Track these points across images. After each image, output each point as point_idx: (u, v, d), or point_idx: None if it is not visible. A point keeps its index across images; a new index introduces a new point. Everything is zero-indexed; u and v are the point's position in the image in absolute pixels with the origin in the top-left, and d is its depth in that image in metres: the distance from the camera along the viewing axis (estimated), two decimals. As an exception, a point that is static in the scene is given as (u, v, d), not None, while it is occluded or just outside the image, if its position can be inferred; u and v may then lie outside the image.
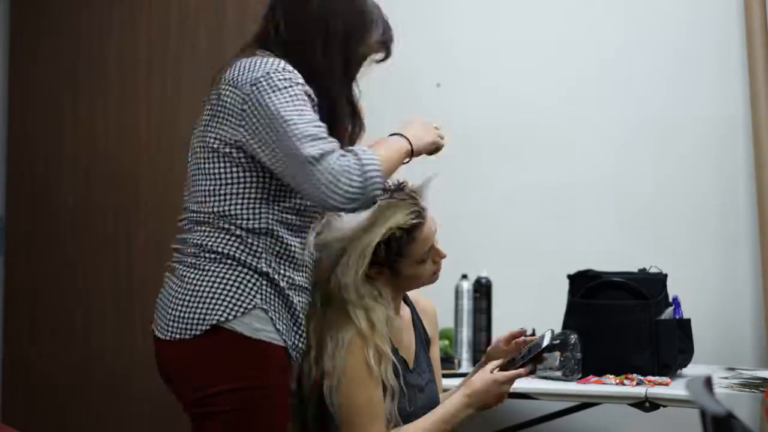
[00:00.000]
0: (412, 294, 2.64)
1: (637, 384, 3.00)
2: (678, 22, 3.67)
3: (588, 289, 3.21)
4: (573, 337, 3.09)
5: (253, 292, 2.18)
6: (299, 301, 2.25)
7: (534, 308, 3.56)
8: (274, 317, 2.19)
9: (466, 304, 3.37)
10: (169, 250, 3.57)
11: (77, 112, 3.58)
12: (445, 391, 2.70)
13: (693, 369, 3.23)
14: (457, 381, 3.10)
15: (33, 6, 3.61)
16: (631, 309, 3.13)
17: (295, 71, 2.20)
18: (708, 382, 1.71)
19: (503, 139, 3.76)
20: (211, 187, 2.22)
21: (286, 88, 2.16)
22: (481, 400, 2.45)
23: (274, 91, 2.15)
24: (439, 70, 3.76)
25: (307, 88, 2.20)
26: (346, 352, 2.35)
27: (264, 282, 2.19)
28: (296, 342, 2.25)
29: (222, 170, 2.21)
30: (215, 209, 2.21)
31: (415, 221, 2.41)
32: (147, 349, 3.49)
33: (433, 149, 2.46)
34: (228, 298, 2.17)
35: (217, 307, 2.16)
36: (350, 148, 2.19)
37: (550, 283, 3.46)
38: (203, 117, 2.27)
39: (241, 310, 2.16)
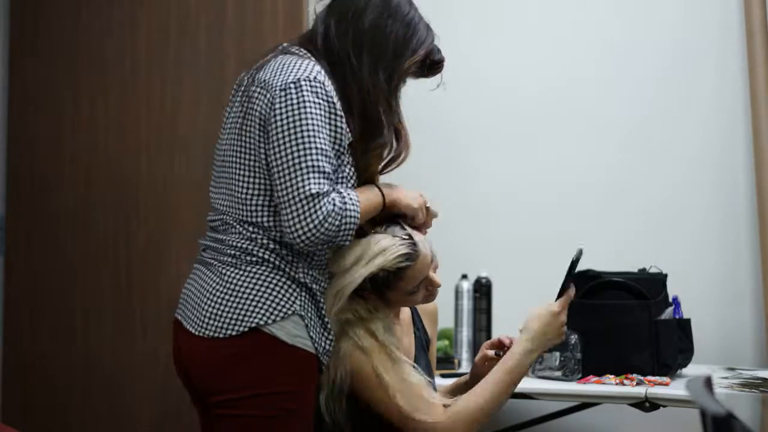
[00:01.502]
0: None
1: (637, 384, 3.00)
2: (678, 23, 3.67)
3: (588, 289, 3.21)
4: (573, 337, 3.10)
5: (292, 298, 2.15)
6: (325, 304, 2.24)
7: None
8: (309, 324, 2.16)
9: (466, 304, 3.37)
10: (169, 250, 3.58)
11: (77, 112, 3.58)
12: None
13: (693, 369, 3.23)
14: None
15: (33, 6, 3.61)
16: (631, 309, 3.13)
17: (327, 81, 2.16)
18: (708, 382, 1.71)
19: (503, 139, 3.76)
20: (244, 196, 2.18)
21: (312, 102, 2.11)
22: (544, 337, 2.40)
23: (299, 105, 2.11)
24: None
25: (335, 101, 2.16)
26: (351, 361, 2.30)
27: (301, 289, 2.16)
28: (326, 347, 2.21)
29: (253, 179, 2.17)
30: (249, 218, 2.17)
31: (402, 264, 2.32)
32: (147, 349, 3.51)
33: (409, 211, 2.39)
34: (268, 302, 2.14)
35: (257, 309, 2.13)
36: (342, 193, 2.14)
37: (550, 283, 3.45)
38: (234, 115, 2.23)
39: (281, 315, 2.13)
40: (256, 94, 2.17)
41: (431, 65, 2.36)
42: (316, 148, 2.10)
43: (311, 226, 2.09)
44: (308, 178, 2.09)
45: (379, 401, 2.29)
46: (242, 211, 2.18)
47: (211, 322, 2.14)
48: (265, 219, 2.16)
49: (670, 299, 3.19)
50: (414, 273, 2.35)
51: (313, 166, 2.09)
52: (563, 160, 3.72)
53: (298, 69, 2.15)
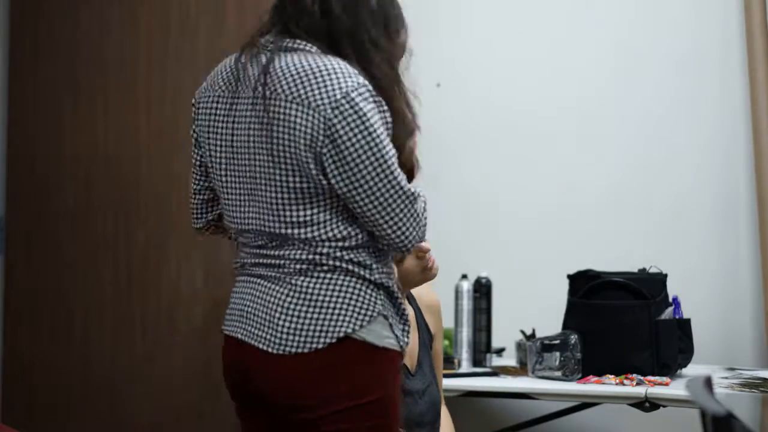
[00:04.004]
0: (415, 290, 2.62)
1: (637, 384, 3.00)
2: (678, 23, 3.67)
3: (588, 289, 3.21)
4: (573, 337, 3.10)
5: (373, 299, 2.05)
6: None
7: (534, 308, 3.56)
8: (392, 322, 2.07)
9: (466, 304, 3.37)
10: (169, 250, 3.58)
11: (77, 112, 3.58)
12: (446, 390, 2.70)
13: (693, 369, 3.23)
14: (457, 381, 3.12)
15: (33, 6, 3.61)
16: (631, 309, 3.13)
17: (364, 80, 2.04)
18: (708, 382, 1.71)
19: (503, 139, 3.76)
20: (299, 218, 2.04)
21: (369, 110, 2.01)
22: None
23: (360, 118, 2.00)
24: (439, 70, 3.76)
25: (381, 100, 2.05)
26: None
27: (378, 288, 2.07)
28: (406, 340, 2.12)
29: (308, 200, 2.04)
30: (307, 235, 2.05)
31: None
32: (147, 349, 3.51)
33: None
34: (351, 306, 2.03)
35: (342, 316, 2.02)
36: (418, 191, 2.09)
37: (550, 283, 3.46)
38: (251, 130, 2.06)
39: (368, 318, 2.03)
40: (290, 112, 2.01)
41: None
42: (389, 152, 2.03)
43: (420, 225, 2.07)
44: (401, 183, 2.03)
45: None
46: (299, 232, 2.05)
47: (292, 337, 2.02)
48: (330, 233, 2.05)
49: (670, 299, 3.19)
50: None
51: (398, 172, 2.04)
52: (564, 160, 3.72)
53: (338, 79, 2.01)
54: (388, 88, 2.08)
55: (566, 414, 3.44)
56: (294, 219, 2.04)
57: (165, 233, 3.50)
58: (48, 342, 3.56)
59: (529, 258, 3.70)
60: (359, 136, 2.00)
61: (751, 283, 3.57)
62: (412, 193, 2.06)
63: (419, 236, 2.09)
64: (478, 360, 3.37)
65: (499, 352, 3.54)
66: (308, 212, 2.04)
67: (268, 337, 2.04)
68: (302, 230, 2.04)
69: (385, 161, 2.02)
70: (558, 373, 3.10)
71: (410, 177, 2.13)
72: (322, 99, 2.00)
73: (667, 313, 3.16)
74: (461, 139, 3.78)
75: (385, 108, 2.06)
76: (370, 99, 2.02)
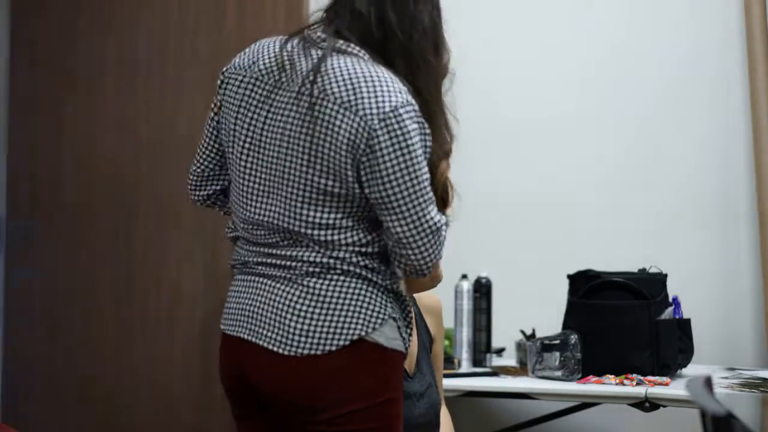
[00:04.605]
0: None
1: (637, 384, 3.00)
2: (678, 23, 3.67)
3: (588, 289, 3.21)
4: (573, 337, 3.10)
5: (384, 302, 2.05)
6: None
7: (534, 308, 3.55)
8: (399, 324, 2.08)
9: (466, 304, 3.37)
10: (169, 250, 3.58)
11: (77, 112, 3.58)
12: (446, 390, 2.70)
13: (693, 369, 3.23)
14: (457, 381, 3.12)
15: (33, 6, 3.61)
16: (631, 309, 3.13)
17: (413, 99, 2.02)
18: (708, 382, 1.71)
19: (503, 139, 3.76)
20: (323, 220, 2.02)
21: (414, 130, 2.00)
22: None
23: (404, 136, 1.99)
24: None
25: (424, 121, 2.04)
26: None
27: (389, 293, 2.07)
28: (409, 341, 2.12)
29: (335, 201, 2.02)
30: (327, 238, 2.03)
31: None
32: (147, 349, 3.51)
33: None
34: (364, 309, 2.02)
35: (356, 318, 2.02)
36: (443, 221, 2.09)
37: (550, 283, 3.46)
38: (290, 127, 2.03)
39: (379, 320, 2.03)
40: (337, 115, 1.99)
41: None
42: (426, 178, 2.02)
43: (437, 254, 2.06)
44: (430, 211, 2.03)
45: None
46: (320, 234, 2.03)
47: (303, 339, 2.01)
48: (350, 238, 2.04)
49: (670, 299, 3.19)
50: None
51: (430, 198, 2.03)
52: (564, 160, 3.72)
53: (389, 92, 2.00)
54: (432, 107, 2.08)
55: (566, 414, 3.44)
56: (317, 220, 2.03)
57: (165, 233, 3.50)
58: (48, 342, 3.56)
59: (529, 258, 3.70)
60: (399, 153, 1.99)
61: (751, 283, 3.56)
62: (437, 222, 2.04)
63: (436, 261, 2.08)
64: (478, 360, 3.36)
65: (499, 352, 3.54)
66: (333, 215, 2.03)
67: (277, 337, 2.02)
68: (323, 232, 2.03)
69: (419, 183, 2.01)
70: (558, 373, 3.10)
71: (444, 204, 2.14)
72: (371, 108, 1.98)
73: (667, 313, 3.16)
74: (461, 139, 3.77)
75: (427, 130, 2.04)
76: (415, 118, 2.01)
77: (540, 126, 3.73)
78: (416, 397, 2.48)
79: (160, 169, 3.52)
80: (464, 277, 3.40)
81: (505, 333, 3.48)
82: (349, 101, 1.99)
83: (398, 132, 1.98)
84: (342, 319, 2.01)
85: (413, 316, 2.54)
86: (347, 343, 2.00)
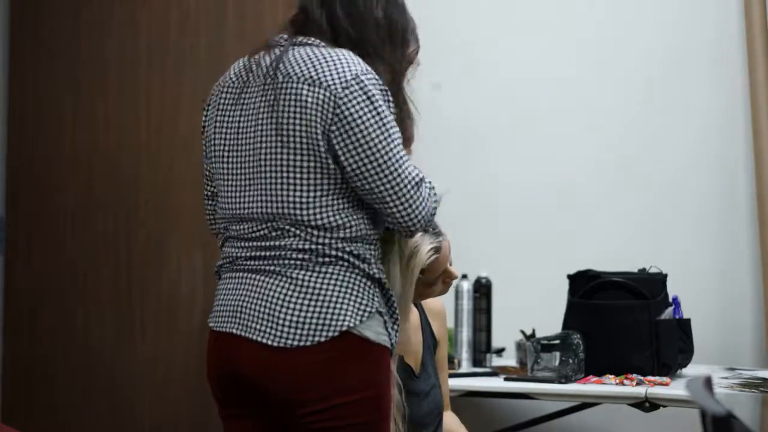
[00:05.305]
0: None
1: (637, 384, 3.00)
2: (678, 22, 3.67)
3: (588, 289, 3.21)
4: (575, 337, 3.09)
5: (371, 295, 2.07)
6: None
7: (534, 308, 3.56)
8: (386, 319, 2.09)
9: (466, 304, 3.37)
10: (169, 250, 3.57)
11: (77, 112, 3.58)
12: (451, 391, 2.69)
13: (693, 369, 3.23)
14: (457, 381, 3.12)
15: (33, 6, 3.61)
16: (631, 309, 3.13)
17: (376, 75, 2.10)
18: (708, 382, 1.71)
19: (503, 139, 3.76)
20: (304, 199, 2.06)
21: (378, 94, 2.07)
22: None
23: (369, 99, 2.05)
24: (439, 70, 3.76)
25: (387, 89, 2.11)
26: None
27: (375, 284, 2.09)
28: (396, 338, 2.13)
29: (313, 180, 2.06)
30: (312, 221, 2.06)
31: (432, 258, 2.37)
32: (147, 349, 3.51)
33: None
34: (352, 302, 2.04)
35: (344, 310, 2.03)
36: (422, 176, 2.13)
37: (550, 283, 3.46)
38: (257, 115, 2.10)
39: (366, 314, 2.04)
40: (302, 91, 2.06)
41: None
42: (398, 136, 2.08)
43: (423, 208, 2.08)
44: (407, 167, 2.07)
45: None
46: (302, 214, 2.06)
47: (293, 330, 2.02)
48: (332, 219, 2.06)
49: (670, 299, 3.19)
50: (437, 265, 2.40)
51: (403, 153, 2.09)
52: (563, 159, 3.72)
53: (349, 64, 2.08)
54: (391, 84, 2.14)
55: (566, 414, 3.44)
56: (296, 198, 2.07)
57: (165, 233, 3.50)
58: (48, 342, 3.56)
59: (529, 258, 3.70)
60: (368, 114, 2.05)
61: (751, 283, 3.57)
62: (417, 175, 2.09)
63: (425, 220, 2.10)
64: (478, 360, 3.37)
65: (499, 352, 3.54)
66: (311, 194, 2.06)
67: (267, 330, 2.04)
68: (303, 212, 2.06)
69: (392, 139, 2.06)
70: (558, 373, 3.10)
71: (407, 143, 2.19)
72: (333, 78, 2.06)
73: (667, 313, 3.15)
74: (461, 139, 3.78)
75: (389, 97, 2.11)
76: (378, 85, 2.09)
77: (540, 126, 3.73)
78: (421, 396, 2.49)
79: (160, 169, 3.52)
80: (464, 277, 3.40)
81: (505, 333, 3.48)
82: (311, 77, 2.07)
83: (363, 96, 2.05)
84: (330, 310, 2.03)
85: (415, 315, 2.55)
86: (336, 334, 2.02)
